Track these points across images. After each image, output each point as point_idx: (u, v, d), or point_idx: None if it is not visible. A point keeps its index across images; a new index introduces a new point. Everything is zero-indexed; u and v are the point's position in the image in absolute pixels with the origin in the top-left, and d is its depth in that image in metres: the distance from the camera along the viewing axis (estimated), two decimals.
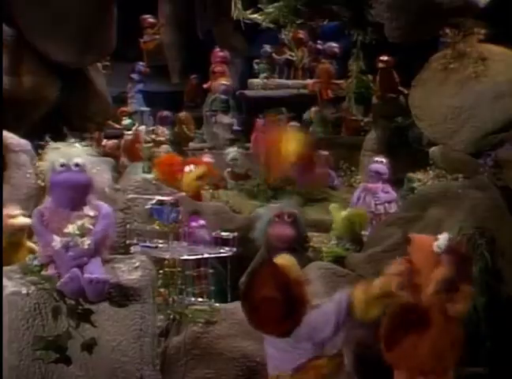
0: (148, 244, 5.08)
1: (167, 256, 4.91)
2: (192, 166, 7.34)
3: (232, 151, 9.74)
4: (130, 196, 5.71)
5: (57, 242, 3.68)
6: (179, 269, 4.93)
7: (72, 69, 7.87)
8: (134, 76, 12.79)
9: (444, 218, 4.84)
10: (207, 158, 8.89)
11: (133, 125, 11.05)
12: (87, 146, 7.83)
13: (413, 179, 7.96)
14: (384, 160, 7.77)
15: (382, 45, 7.08)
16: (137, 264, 3.94)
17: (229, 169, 9.44)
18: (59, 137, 7.37)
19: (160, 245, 5.04)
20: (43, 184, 4.33)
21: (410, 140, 10.32)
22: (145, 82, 12.91)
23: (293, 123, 10.84)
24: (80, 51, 7.79)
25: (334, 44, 12.42)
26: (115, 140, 10.38)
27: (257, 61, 12.90)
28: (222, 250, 5.02)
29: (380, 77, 10.60)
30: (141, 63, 13.05)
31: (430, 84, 5.87)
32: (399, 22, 5.73)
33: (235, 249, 4.99)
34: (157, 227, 5.18)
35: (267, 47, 12.75)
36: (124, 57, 11.52)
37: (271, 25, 6.55)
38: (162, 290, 4.81)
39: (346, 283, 4.71)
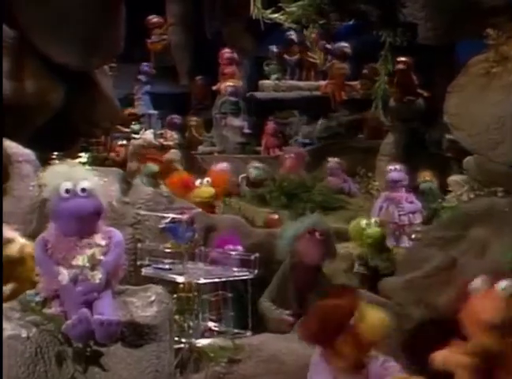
0: (160, 266, 4.68)
1: (182, 279, 4.48)
2: (205, 180, 7.00)
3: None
4: (142, 212, 5.31)
5: (64, 275, 3.23)
6: (196, 294, 4.53)
7: (77, 72, 7.54)
8: (141, 77, 12.46)
9: (490, 239, 4.42)
10: (223, 166, 8.49)
11: (141, 129, 10.69)
12: (93, 153, 7.68)
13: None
14: (398, 167, 7.55)
15: (399, 46, 6.68)
16: (153, 297, 3.47)
17: (244, 175, 9.06)
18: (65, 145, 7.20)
19: (174, 267, 4.64)
20: (46, 196, 3.87)
21: (427, 145, 10.03)
22: (153, 83, 12.57)
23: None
24: (86, 53, 7.46)
25: (344, 44, 12.10)
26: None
27: (267, 61, 12.58)
28: (242, 272, 4.62)
29: (398, 79, 10.19)
30: (148, 64, 12.72)
31: (469, 90, 5.39)
32: (435, 22, 5.38)
33: (256, 271, 4.59)
34: (170, 246, 4.81)
35: (273, 48, 12.42)
36: (130, 58, 11.18)
37: (293, 25, 6.20)
38: (177, 317, 4.38)
39: None
